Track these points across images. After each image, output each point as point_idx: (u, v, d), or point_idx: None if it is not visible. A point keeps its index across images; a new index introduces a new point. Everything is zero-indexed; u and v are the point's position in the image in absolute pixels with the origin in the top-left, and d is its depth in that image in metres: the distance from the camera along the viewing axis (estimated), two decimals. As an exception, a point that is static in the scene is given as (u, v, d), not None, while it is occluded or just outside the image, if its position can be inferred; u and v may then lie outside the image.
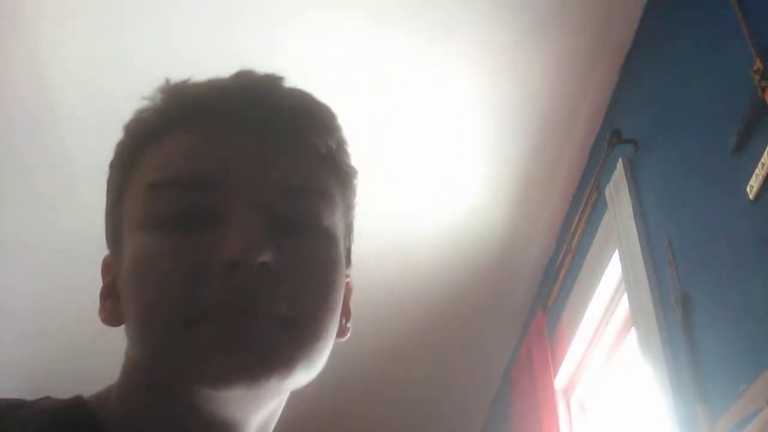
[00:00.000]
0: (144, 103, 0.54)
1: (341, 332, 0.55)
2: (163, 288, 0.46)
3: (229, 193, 0.48)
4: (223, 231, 0.46)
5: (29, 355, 2.69)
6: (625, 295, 1.59)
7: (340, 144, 0.55)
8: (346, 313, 0.57)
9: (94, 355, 2.68)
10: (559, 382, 2.07)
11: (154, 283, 0.46)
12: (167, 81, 0.54)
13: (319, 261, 0.49)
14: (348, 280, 0.58)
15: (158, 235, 0.47)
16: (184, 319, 0.44)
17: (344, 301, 0.56)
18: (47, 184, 2.08)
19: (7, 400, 0.48)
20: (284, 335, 0.45)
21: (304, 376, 0.47)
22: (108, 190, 0.55)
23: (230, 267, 0.44)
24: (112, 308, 0.52)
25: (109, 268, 0.55)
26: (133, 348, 0.49)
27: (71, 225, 2.20)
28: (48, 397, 0.50)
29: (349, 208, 0.56)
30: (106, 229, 0.55)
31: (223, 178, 0.48)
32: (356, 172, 0.57)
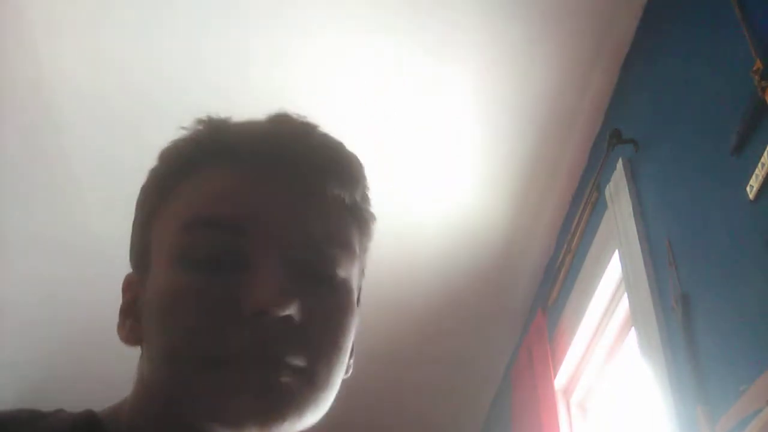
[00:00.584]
0: (181, 133, 0.56)
1: (345, 370, 0.57)
2: (188, 326, 0.47)
3: (259, 240, 0.50)
4: (251, 277, 0.48)
5: (29, 355, 2.69)
6: (625, 295, 1.59)
7: (364, 193, 0.58)
8: (352, 353, 0.59)
9: (94, 356, 2.68)
10: (559, 382, 2.07)
11: (180, 320, 0.48)
12: (208, 117, 0.56)
13: (337, 313, 0.52)
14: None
15: (188, 273, 0.49)
16: (206, 359, 0.46)
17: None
18: (45, 185, 2.08)
19: (22, 411, 0.49)
20: (299, 385, 0.47)
21: (312, 419, 0.50)
22: (138, 213, 0.57)
23: (257, 315, 0.46)
24: (131, 328, 0.53)
25: (131, 286, 0.56)
26: (152, 375, 0.50)
27: (70, 225, 2.20)
28: (62, 410, 0.51)
29: (364, 252, 0.59)
30: (132, 250, 0.57)
31: (255, 224, 0.50)
32: (375, 218, 0.59)
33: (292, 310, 0.47)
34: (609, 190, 1.70)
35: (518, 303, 2.50)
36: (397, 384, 2.82)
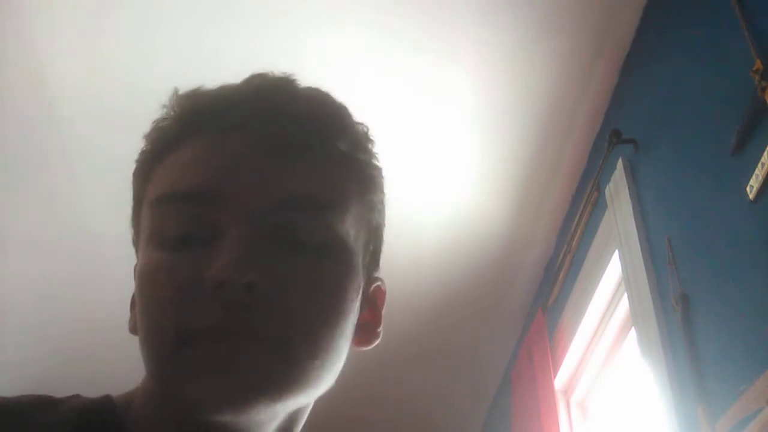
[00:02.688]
0: (163, 112, 0.54)
1: (367, 340, 0.54)
2: (159, 306, 0.45)
3: (229, 208, 0.46)
4: (216, 248, 0.45)
5: (29, 355, 2.69)
6: (625, 295, 1.59)
7: (358, 143, 0.53)
8: (374, 319, 0.55)
9: (94, 355, 2.68)
10: (559, 382, 2.07)
11: (152, 301, 0.46)
12: (176, 90, 0.54)
13: (320, 275, 0.47)
14: (379, 284, 0.57)
15: (160, 251, 0.47)
16: (176, 340, 0.44)
17: (373, 306, 0.55)
18: (45, 184, 2.08)
19: (39, 397, 0.48)
20: (273, 357, 0.43)
21: (304, 397, 0.46)
22: (132, 200, 0.55)
23: (218, 287, 0.43)
24: (133, 318, 0.52)
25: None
26: (143, 359, 0.48)
27: (69, 225, 2.20)
28: (78, 395, 0.50)
29: (370, 209, 0.54)
30: (132, 239, 0.55)
31: (223, 192, 0.47)
32: (379, 169, 0.55)
33: (252, 277, 0.42)
34: (609, 190, 1.70)
35: (518, 303, 2.50)
36: (397, 384, 2.82)
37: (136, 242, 0.54)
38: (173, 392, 0.45)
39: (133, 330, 0.52)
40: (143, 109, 2.14)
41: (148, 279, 0.47)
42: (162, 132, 0.53)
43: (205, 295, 0.43)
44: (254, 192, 0.47)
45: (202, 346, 0.43)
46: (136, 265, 0.53)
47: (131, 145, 1.96)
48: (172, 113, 0.53)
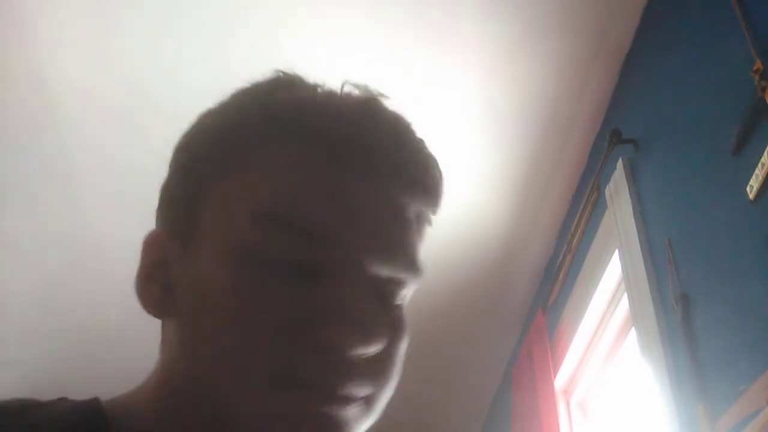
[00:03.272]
0: (252, 86, 0.49)
1: None
2: (257, 336, 0.42)
3: (341, 253, 0.44)
4: (334, 299, 0.43)
5: (28, 355, 2.69)
6: (625, 295, 1.59)
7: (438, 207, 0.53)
8: None
9: (94, 355, 2.68)
10: (559, 382, 2.07)
11: (247, 331, 0.42)
12: (288, 78, 0.49)
13: (401, 341, 0.48)
14: None
15: (256, 277, 0.43)
16: (273, 376, 0.42)
17: None
18: (46, 183, 2.08)
19: (24, 400, 0.46)
20: (360, 414, 0.45)
21: None
22: (183, 170, 0.49)
23: (338, 347, 0.42)
24: (159, 297, 0.47)
25: (158, 247, 0.49)
26: (190, 369, 0.45)
27: (70, 224, 2.20)
28: (64, 399, 0.47)
29: None
30: (168, 211, 0.49)
31: (340, 235, 0.44)
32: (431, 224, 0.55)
33: (371, 350, 0.43)
34: (609, 190, 1.70)
35: (518, 303, 2.50)
36: (396, 383, 2.82)
37: (182, 222, 0.47)
38: (239, 423, 0.42)
39: (152, 308, 0.48)
40: (143, 109, 2.15)
41: (242, 300, 0.43)
42: (254, 119, 0.47)
43: (317, 348, 0.42)
44: (370, 246, 0.45)
45: (301, 396, 0.42)
46: (155, 234, 0.49)
47: (132, 146, 1.98)
48: (272, 104, 0.47)
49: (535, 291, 2.43)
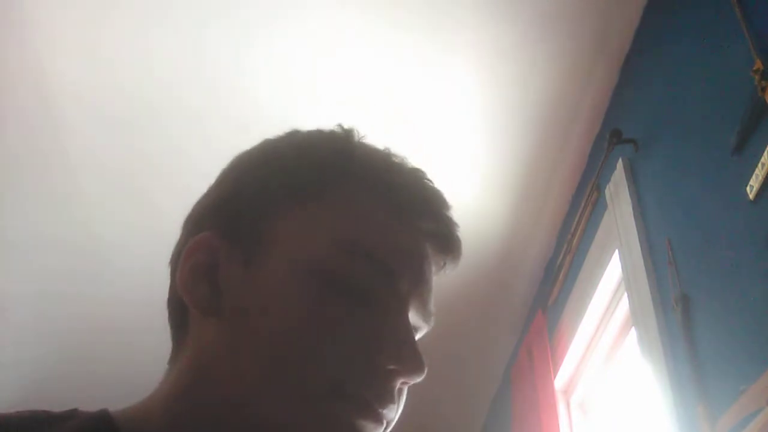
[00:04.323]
0: (333, 133, 0.56)
1: None
2: (325, 347, 0.47)
3: (401, 293, 0.51)
4: (395, 329, 0.49)
5: (28, 355, 2.69)
6: (625, 295, 1.59)
7: None
8: None
9: (93, 356, 2.68)
10: (559, 382, 2.07)
11: (316, 337, 0.47)
12: (350, 131, 0.57)
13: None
14: None
15: (329, 292, 0.48)
16: (332, 387, 0.46)
17: None
18: (45, 184, 2.09)
19: (37, 413, 0.46)
20: None
21: None
22: (262, 183, 0.53)
23: (394, 372, 0.48)
24: (208, 296, 0.50)
25: (209, 248, 0.52)
26: (243, 370, 0.47)
27: (73, 225, 2.20)
28: (75, 410, 0.48)
29: None
30: (231, 215, 0.53)
31: (404, 276, 0.51)
32: None
33: (417, 380, 0.49)
34: (609, 190, 1.70)
35: (518, 303, 2.50)
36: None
37: (249, 234, 0.51)
38: (281, 425, 0.46)
39: (200, 305, 0.50)
40: (146, 108, 2.15)
41: (318, 321, 0.47)
42: (339, 161, 0.54)
43: (377, 368, 0.48)
44: (423, 292, 0.54)
45: (353, 407, 0.47)
46: (208, 237, 0.52)
47: (132, 147, 1.98)
48: (354, 154, 0.55)
49: (535, 291, 2.43)
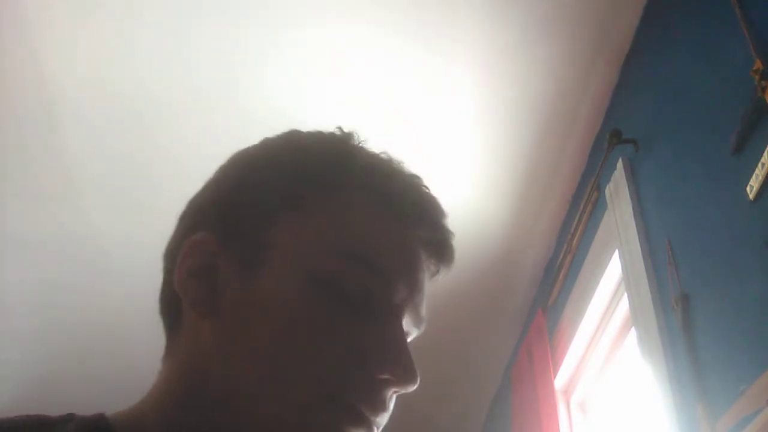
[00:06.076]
0: (334, 138, 0.56)
1: None
2: (322, 356, 0.47)
3: (396, 302, 0.51)
4: (387, 338, 0.49)
5: (28, 354, 2.69)
6: (625, 295, 1.59)
7: None
8: None
9: (93, 354, 2.68)
10: (559, 382, 2.07)
11: (314, 347, 0.47)
12: (351, 134, 0.57)
13: None
14: None
15: (329, 301, 0.48)
16: (323, 391, 0.46)
17: None
18: (48, 182, 2.08)
19: (33, 417, 0.47)
20: None
21: None
22: (264, 187, 0.53)
23: (387, 381, 0.49)
24: (205, 297, 0.50)
25: (208, 249, 0.52)
26: (235, 372, 0.48)
27: (71, 223, 2.20)
28: (71, 415, 0.48)
29: None
30: (231, 217, 0.52)
31: (400, 286, 0.51)
32: None
33: (411, 389, 0.50)
34: (609, 190, 1.70)
35: (518, 303, 2.50)
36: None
37: (247, 238, 0.51)
38: (271, 426, 0.46)
39: (197, 304, 0.50)
40: (142, 110, 2.15)
41: (311, 325, 0.48)
42: (339, 169, 0.54)
43: (369, 376, 0.48)
44: (417, 302, 0.54)
45: (341, 416, 0.47)
46: (206, 238, 0.52)
47: (132, 148, 1.98)
48: (354, 163, 0.55)
49: (535, 291, 2.43)
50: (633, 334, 1.59)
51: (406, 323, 0.53)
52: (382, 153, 0.58)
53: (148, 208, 2.07)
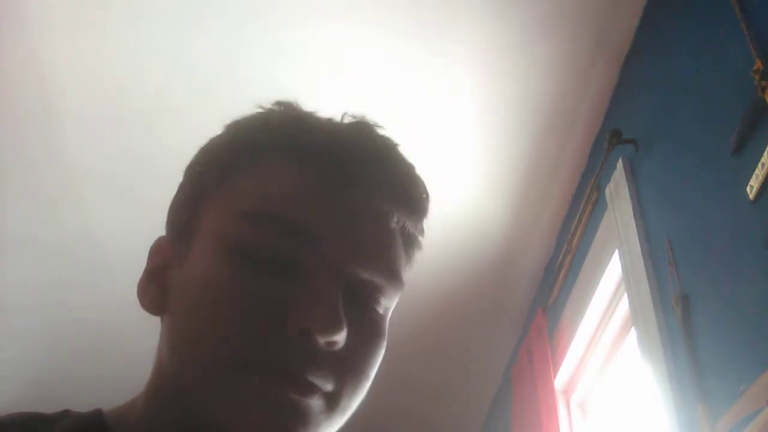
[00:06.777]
0: (257, 111, 0.54)
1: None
2: (228, 325, 0.45)
3: (320, 254, 0.47)
4: (306, 293, 0.46)
5: (28, 353, 2.69)
6: (625, 295, 1.59)
7: (423, 227, 0.56)
8: None
9: (93, 354, 2.68)
10: (559, 382, 2.07)
11: (220, 316, 0.46)
12: (287, 104, 0.54)
13: (373, 343, 0.50)
14: None
15: (239, 268, 0.46)
16: (236, 360, 0.44)
17: None
18: (48, 182, 2.08)
19: (29, 414, 0.48)
20: (321, 408, 0.46)
21: None
22: (190, 180, 0.54)
23: (304, 334, 0.45)
24: (155, 295, 0.51)
25: (162, 250, 0.54)
26: (171, 357, 0.48)
27: (72, 223, 2.20)
28: (67, 412, 0.49)
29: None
30: (174, 217, 0.54)
31: (321, 237, 0.48)
32: (421, 250, 0.58)
33: (338, 338, 0.45)
34: (609, 190, 1.70)
35: (518, 303, 2.50)
36: (396, 384, 2.82)
37: (184, 228, 0.52)
38: (205, 406, 0.45)
39: (148, 306, 0.52)
40: (143, 109, 2.15)
41: (220, 291, 0.46)
42: (255, 135, 0.52)
43: (284, 335, 0.45)
44: (349, 249, 0.48)
45: (262, 380, 0.44)
46: (162, 240, 0.54)
47: (132, 148, 1.97)
48: (272, 123, 0.52)
49: (535, 291, 2.43)
50: (633, 334, 1.59)
51: (370, 274, 0.49)
52: (311, 111, 0.54)
53: (149, 207, 2.07)
